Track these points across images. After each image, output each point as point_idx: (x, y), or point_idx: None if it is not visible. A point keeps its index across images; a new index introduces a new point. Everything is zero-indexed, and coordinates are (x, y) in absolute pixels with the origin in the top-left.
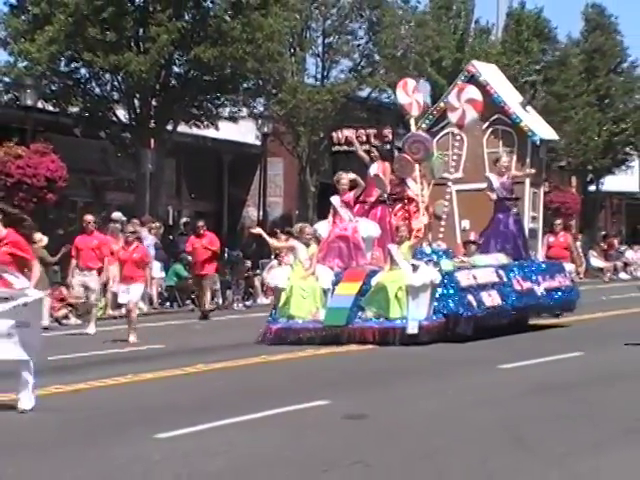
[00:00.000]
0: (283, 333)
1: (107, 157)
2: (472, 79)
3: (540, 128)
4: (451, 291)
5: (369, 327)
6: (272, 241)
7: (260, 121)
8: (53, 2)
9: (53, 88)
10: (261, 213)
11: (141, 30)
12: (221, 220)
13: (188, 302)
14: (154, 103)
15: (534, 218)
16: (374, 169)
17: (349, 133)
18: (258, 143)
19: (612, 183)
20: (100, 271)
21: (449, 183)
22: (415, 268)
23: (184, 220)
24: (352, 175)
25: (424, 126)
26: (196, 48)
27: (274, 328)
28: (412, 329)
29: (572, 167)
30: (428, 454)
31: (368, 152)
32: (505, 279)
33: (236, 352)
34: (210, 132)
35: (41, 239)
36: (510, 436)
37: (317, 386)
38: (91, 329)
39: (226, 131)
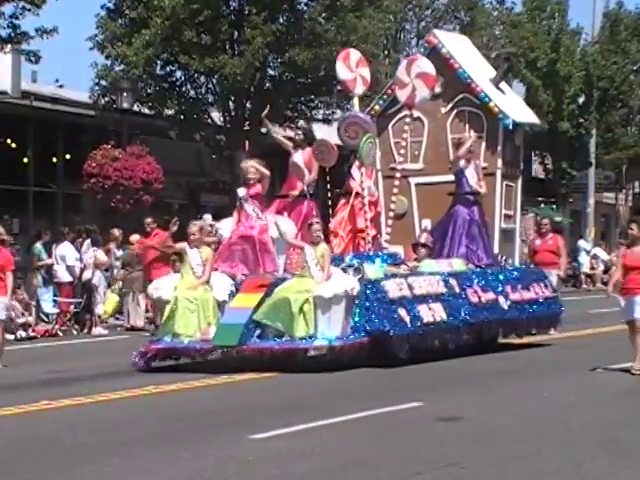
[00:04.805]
0: (163, 354)
1: (202, 159)
2: (433, 51)
3: (515, 110)
4: (375, 304)
5: (267, 348)
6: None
7: None
8: (150, 6)
9: (149, 91)
10: None
11: (236, 33)
12: None
13: None
14: (249, 105)
15: (509, 217)
16: (297, 157)
17: None
18: None
19: None
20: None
21: (397, 174)
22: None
23: None
24: (258, 163)
25: (377, 108)
26: (290, 50)
27: (154, 348)
28: (314, 350)
29: None
30: (523, 456)
31: (291, 138)
32: (457, 289)
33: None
34: None
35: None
36: (606, 438)
37: (410, 388)
38: None
39: (320, 133)
